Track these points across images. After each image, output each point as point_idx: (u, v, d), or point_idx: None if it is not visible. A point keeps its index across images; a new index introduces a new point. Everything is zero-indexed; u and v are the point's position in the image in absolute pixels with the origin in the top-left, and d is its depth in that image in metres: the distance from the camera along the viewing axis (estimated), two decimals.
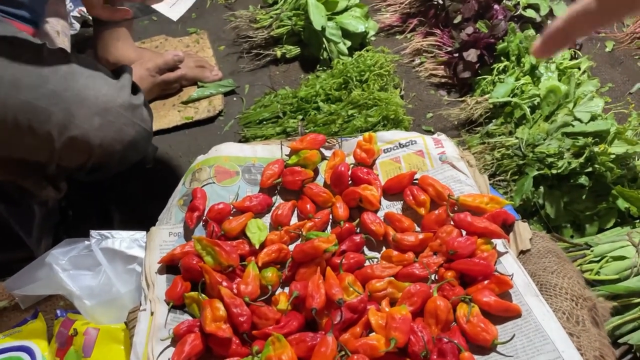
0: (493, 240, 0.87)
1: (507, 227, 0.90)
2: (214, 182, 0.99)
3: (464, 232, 0.89)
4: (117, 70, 1.17)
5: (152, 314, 0.81)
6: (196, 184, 0.98)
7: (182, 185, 1.00)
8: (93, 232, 0.92)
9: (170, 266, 0.88)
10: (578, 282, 0.82)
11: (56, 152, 1.04)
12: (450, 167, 0.98)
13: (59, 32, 1.45)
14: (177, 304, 0.83)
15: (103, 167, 1.19)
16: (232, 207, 0.96)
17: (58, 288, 0.88)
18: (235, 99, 1.81)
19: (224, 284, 0.82)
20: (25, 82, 1.01)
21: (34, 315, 0.92)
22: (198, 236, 0.87)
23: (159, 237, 0.92)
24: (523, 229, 0.88)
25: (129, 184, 1.58)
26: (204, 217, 0.95)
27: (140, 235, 0.93)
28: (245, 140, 1.53)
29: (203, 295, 0.82)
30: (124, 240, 0.91)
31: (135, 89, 1.16)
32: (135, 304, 0.85)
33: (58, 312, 0.91)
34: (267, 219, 0.98)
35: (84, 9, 2.09)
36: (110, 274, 0.87)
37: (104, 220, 1.51)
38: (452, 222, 0.91)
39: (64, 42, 1.48)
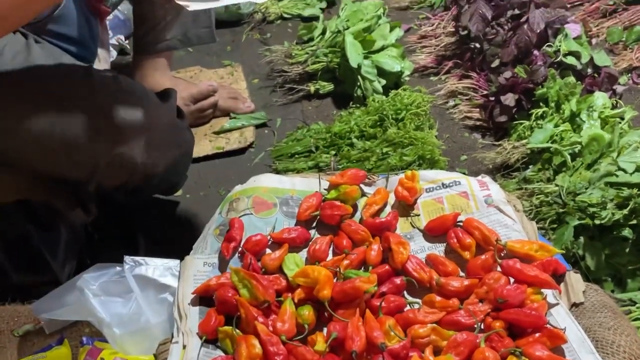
0: (543, 291, 0.83)
1: (558, 278, 0.85)
2: (251, 213, 0.96)
3: (511, 280, 0.85)
4: (162, 93, 1.18)
5: (184, 347, 0.77)
6: (233, 213, 0.96)
7: (219, 215, 0.97)
8: (127, 258, 0.90)
9: (204, 298, 0.85)
10: (636, 340, 0.77)
11: (100, 169, 1.04)
12: (497, 210, 0.95)
13: (100, 59, 1.48)
14: (210, 338, 0.80)
15: (142, 188, 1.19)
16: (269, 239, 0.93)
17: (87, 314, 0.85)
18: (266, 131, 1.81)
19: (260, 319, 0.79)
20: (74, 97, 1.03)
21: (59, 341, 0.89)
22: (235, 267, 0.84)
23: (194, 266, 0.89)
24: (575, 280, 0.84)
25: (155, 210, 1.57)
26: (240, 248, 0.92)
27: (174, 263, 0.91)
28: (276, 172, 1.51)
29: (237, 330, 0.79)
30: (157, 268, 0.89)
31: (180, 113, 1.18)
32: (166, 335, 0.81)
33: (84, 339, 0.88)
34: (303, 253, 0.95)
35: (122, 37, 2.14)
36: (142, 302, 0.83)
37: (129, 245, 1.49)
38: (499, 269, 0.87)
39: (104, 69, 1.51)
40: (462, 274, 0.90)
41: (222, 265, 0.90)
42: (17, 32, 1.13)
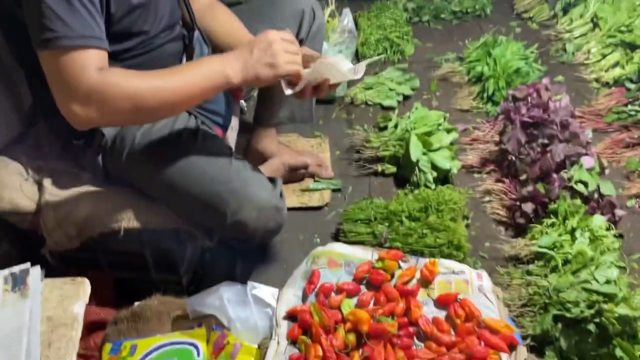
0: (500, 353, 1.31)
1: (512, 347, 1.33)
2: (325, 267, 1.50)
3: (482, 343, 1.34)
4: (272, 178, 1.54)
5: (277, 343, 1.31)
6: (315, 266, 1.50)
7: (305, 264, 1.52)
8: (249, 283, 1.45)
9: (291, 316, 1.39)
10: None
11: (225, 226, 1.45)
12: (484, 296, 1.44)
13: (232, 128, 2.07)
14: (293, 341, 1.34)
15: (247, 240, 1.74)
16: (335, 287, 1.47)
17: (220, 312, 1.41)
18: (339, 195, 2.34)
19: (324, 336, 1.32)
20: (218, 179, 1.42)
21: (199, 324, 1.45)
22: (312, 302, 1.38)
23: (286, 295, 1.44)
24: (521, 351, 1.32)
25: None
26: (316, 289, 1.46)
27: (274, 291, 1.46)
28: (343, 233, 2.04)
29: (309, 340, 1.32)
30: (265, 291, 1.44)
31: (281, 194, 1.56)
32: (267, 335, 1.36)
33: (214, 327, 1.43)
34: (354, 300, 1.48)
35: (242, 100, 2.76)
36: (254, 311, 1.38)
37: (230, 265, 2.06)
38: (476, 334, 1.36)
39: (233, 136, 2.10)
40: (453, 332, 1.39)
41: (304, 298, 1.44)
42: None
